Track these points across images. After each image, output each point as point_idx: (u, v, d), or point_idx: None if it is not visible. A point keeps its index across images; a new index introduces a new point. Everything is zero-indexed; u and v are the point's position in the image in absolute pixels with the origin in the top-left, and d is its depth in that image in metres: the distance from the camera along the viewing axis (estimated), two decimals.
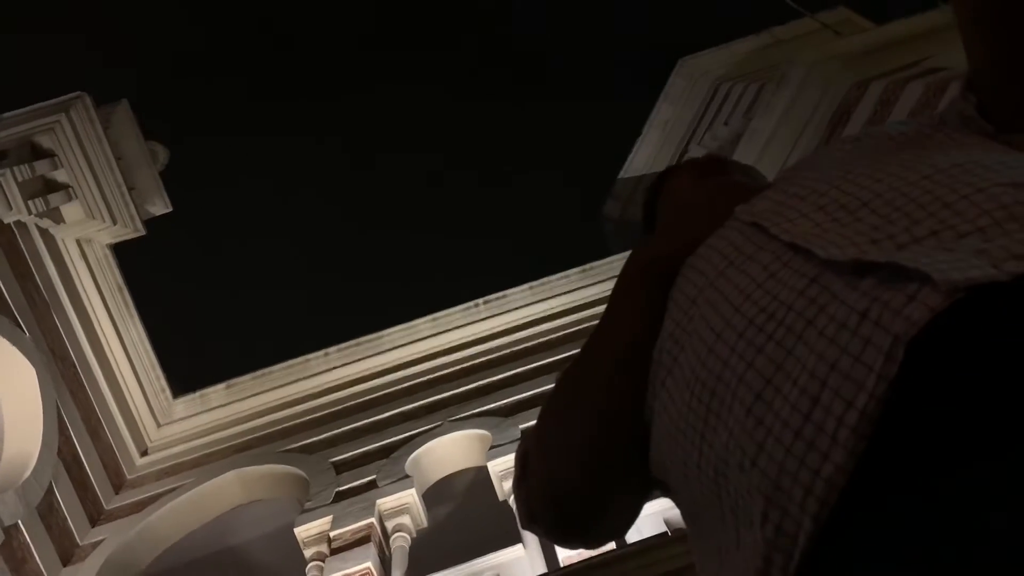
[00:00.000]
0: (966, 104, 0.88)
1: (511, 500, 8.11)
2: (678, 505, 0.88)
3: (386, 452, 9.30)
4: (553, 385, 1.00)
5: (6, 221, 9.50)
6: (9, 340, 8.81)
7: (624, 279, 0.95)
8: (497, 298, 12.02)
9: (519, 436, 8.74)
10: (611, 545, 6.58)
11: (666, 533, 6.52)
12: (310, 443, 10.10)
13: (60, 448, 9.14)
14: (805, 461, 0.62)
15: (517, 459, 0.99)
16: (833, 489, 0.60)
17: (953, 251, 0.64)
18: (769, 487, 0.65)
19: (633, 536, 6.75)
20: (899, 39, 11.11)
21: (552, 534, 0.95)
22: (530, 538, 7.35)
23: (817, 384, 0.63)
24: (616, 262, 12.13)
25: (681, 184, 1.28)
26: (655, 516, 6.68)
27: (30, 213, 9.69)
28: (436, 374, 10.95)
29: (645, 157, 16.50)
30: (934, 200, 0.71)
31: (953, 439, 0.59)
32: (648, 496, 0.94)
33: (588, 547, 0.99)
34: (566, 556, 6.72)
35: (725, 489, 0.71)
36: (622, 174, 16.84)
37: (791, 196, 0.84)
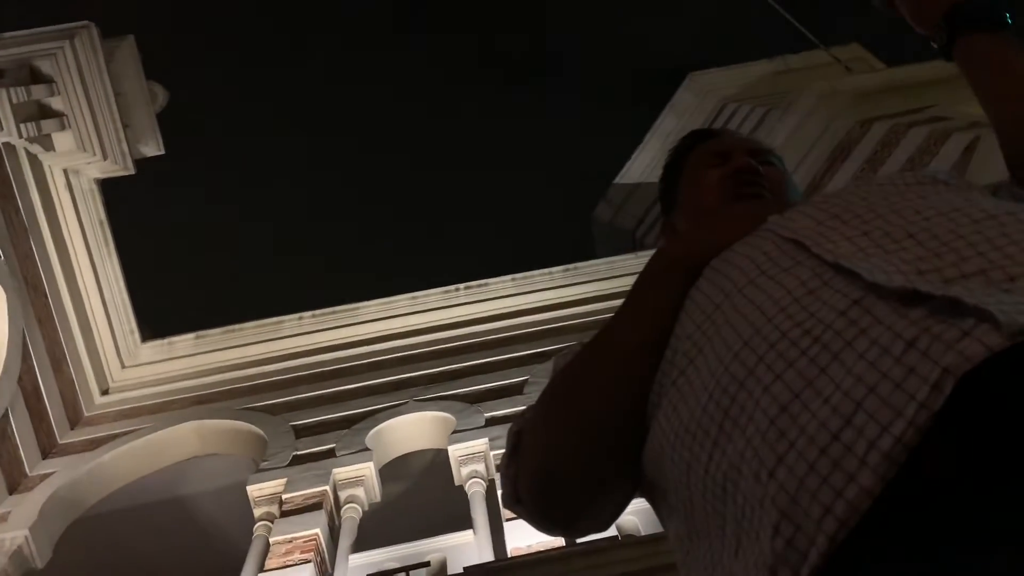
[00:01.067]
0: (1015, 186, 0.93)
1: (467, 486, 8.14)
2: (663, 506, 0.88)
3: (348, 423, 9.27)
4: (560, 365, 1.00)
5: None
6: None
7: (653, 271, 0.95)
8: (478, 285, 12.01)
9: (482, 424, 8.75)
10: (560, 541, 6.61)
11: (616, 537, 6.57)
12: (273, 404, 10.05)
13: (21, 376, 9.03)
14: (829, 480, 0.62)
15: (510, 436, 0.98)
16: (855, 511, 0.60)
17: (1012, 292, 0.64)
18: (785, 501, 0.64)
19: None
20: (907, 83, 11.20)
21: (535, 517, 0.95)
22: (481, 525, 7.37)
23: (851, 405, 0.63)
24: (601, 266, 12.16)
25: (709, 178, 1.19)
26: None
27: (20, 136, 9.56)
28: (407, 352, 10.93)
29: (643, 165, 16.55)
30: (984, 240, 0.72)
31: (983, 479, 0.60)
32: (633, 493, 0.94)
33: (568, 535, 0.99)
34: (513, 547, 6.75)
35: (732, 496, 0.71)
36: (618, 179, 16.89)
37: (831, 217, 0.84)
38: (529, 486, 0.92)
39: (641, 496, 0.93)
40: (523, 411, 1.01)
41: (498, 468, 7.90)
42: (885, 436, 0.60)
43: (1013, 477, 0.59)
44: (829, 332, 0.69)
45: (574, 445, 0.89)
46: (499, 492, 7.55)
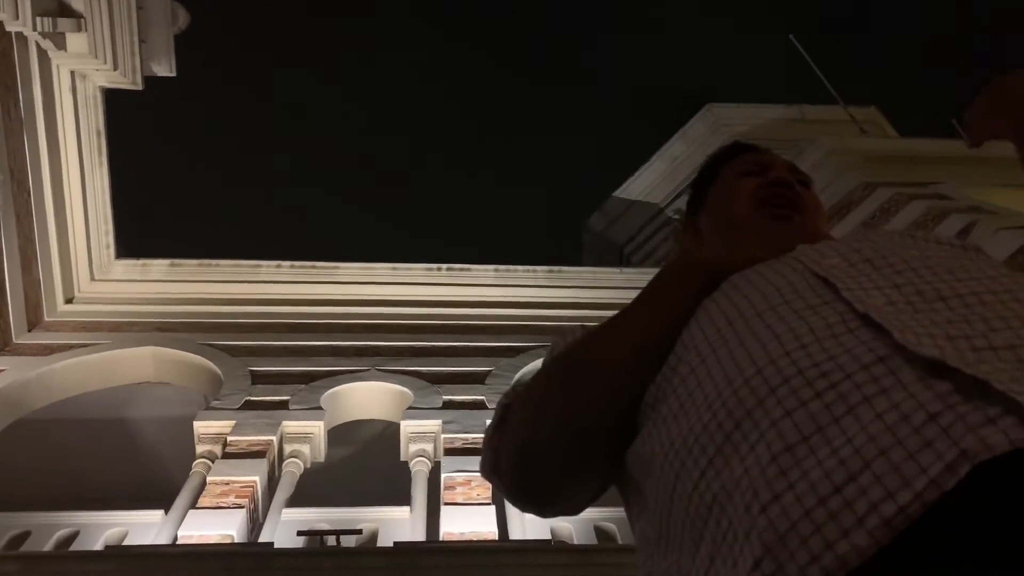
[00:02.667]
0: None
1: (412, 463, 8.14)
2: (637, 504, 0.88)
3: (307, 379, 9.24)
4: (561, 346, 0.99)
5: (8, 29, 9.21)
6: None
7: (676, 269, 0.95)
8: (461, 268, 12.00)
9: (439, 405, 8.76)
10: (494, 533, 6.65)
11: (549, 541, 6.61)
12: (235, 346, 9.98)
13: None
14: (821, 530, 0.62)
15: (498, 407, 0.98)
16: (842, 567, 0.60)
17: None
18: (772, 538, 0.64)
19: (516, 533, 6.83)
20: (917, 156, 11.34)
21: (511, 491, 0.94)
22: (419, 504, 7.37)
23: (859, 462, 0.63)
24: (584, 274, 12.19)
25: (744, 185, 1.19)
26: (544, 523, 6.74)
27: (34, 29, 9.41)
28: (379, 320, 10.90)
29: (644, 184, 16.62)
30: (1015, 316, 0.72)
31: (982, 568, 0.59)
32: (609, 484, 0.94)
33: (541, 514, 0.98)
34: (446, 532, 6.77)
35: (716, 518, 0.71)
36: (617, 193, 16.93)
37: (864, 260, 0.84)
38: (510, 459, 0.92)
39: (616, 486, 0.93)
40: (515, 385, 1.01)
41: (446, 452, 7.93)
42: (889, 502, 0.60)
43: (1013, 572, 0.59)
44: (848, 383, 0.68)
45: (562, 428, 0.88)
46: (443, 475, 7.57)
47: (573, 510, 0.97)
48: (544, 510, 0.97)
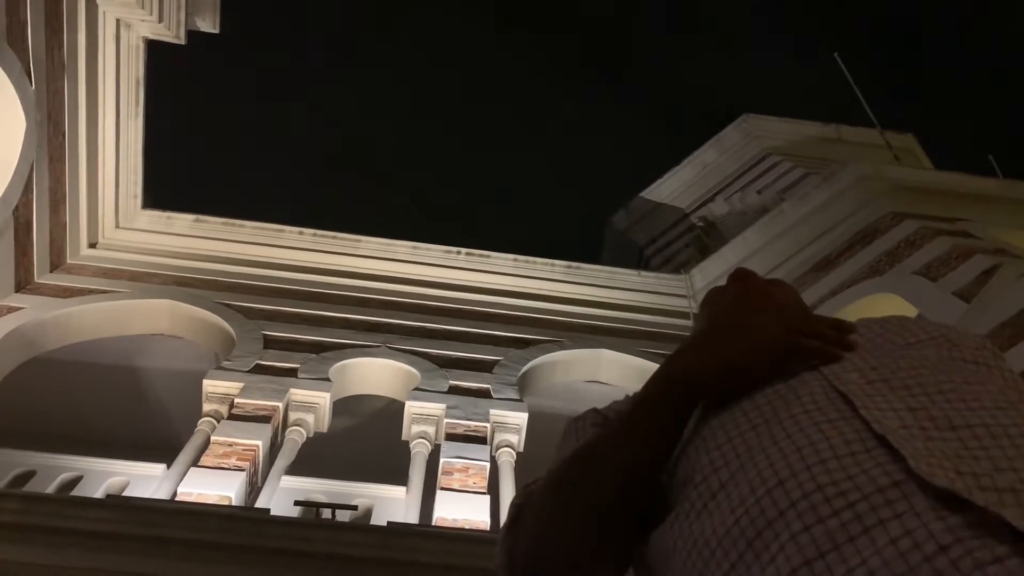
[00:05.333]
0: None
1: (412, 444, 8.23)
2: None
3: (318, 348, 9.33)
4: (573, 439, 1.05)
5: None
6: (14, 86, 8.65)
7: (659, 379, 0.97)
8: (480, 254, 12.03)
9: (445, 389, 8.84)
10: (486, 523, 6.72)
11: None
12: (251, 308, 10.09)
13: (18, 207, 9.03)
14: None
15: (511, 507, 1.03)
16: None
17: None
18: None
19: None
20: (949, 190, 11.24)
21: None
22: (415, 485, 7.46)
23: None
24: (602, 273, 12.17)
25: (722, 296, 1.27)
26: None
27: None
28: (394, 298, 10.97)
29: (672, 187, 16.57)
30: (1020, 456, 0.76)
31: None
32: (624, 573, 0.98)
33: None
34: (440, 516, 6.86)
35: None
36: (644, 193, 16.89)
37: (881, 380, 0.88)
38: (523, 561, 0.97)
39: (633, 568, 0.98)
40: (529, 484, 1.06)
41: (447, 436, 8.01)
42: None
43: None
44: (864, 504, 0.72)
45: (571, 533, 0.93)
46: (442, 460, 7.65)
47: None
48: None
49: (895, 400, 0.84)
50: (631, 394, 1.09)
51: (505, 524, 1.03)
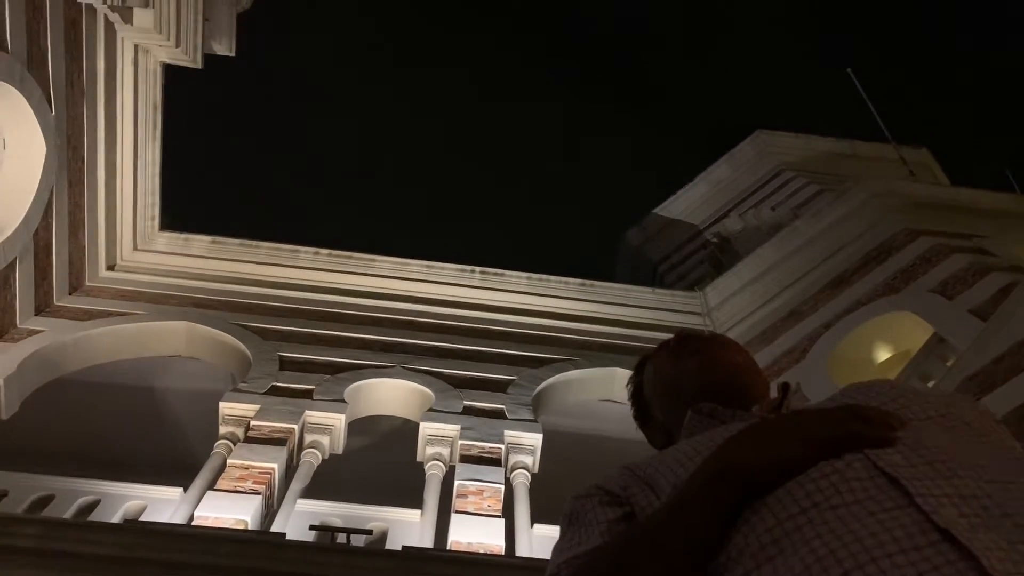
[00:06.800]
0: None
1: (427, 466, 8.25)
2: None
3: (333, 370, 9.38)
4: (601, 547, 1.01)
5: (80, 0, 9.44)
6: (35, 112, 8.79)
7: (708, 475, 0.94)
8: (494, 273, 12.08)
9: (459, 410, 8.85)
10: (501, 547, 6.72)
11: None
12: (267, 329, 10.16)
13: (38, 231, 9.17)
14: None
15: None
16: None
17: None
18: None
19: (523, 549, 6.91)
20: (965, 206, 11.18)
21: None
22: (430, 508, 7.47)
23: None
24: (616, 291, 12.17)
25: (665, 367, 1.31)
26: (552, 542, 6.81)
27: (104, 2, 9.64)
28: (408, 317, 11.02)
29: (686, 204, 16.57)
30: None
31: None
32: None
33: None
34: (455, 540, 6.86)
35: None
36: (658, 210, 16.90)
37: (923, 459, 0.88)
38: None
39: None
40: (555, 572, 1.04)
41: (462, 458, 8.02)
42: None
43: None
44: None
45: None
46: (457, 482, 7.67)
47: None
48: None
49: (944, 485, 0.84)
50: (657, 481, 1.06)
51: None
